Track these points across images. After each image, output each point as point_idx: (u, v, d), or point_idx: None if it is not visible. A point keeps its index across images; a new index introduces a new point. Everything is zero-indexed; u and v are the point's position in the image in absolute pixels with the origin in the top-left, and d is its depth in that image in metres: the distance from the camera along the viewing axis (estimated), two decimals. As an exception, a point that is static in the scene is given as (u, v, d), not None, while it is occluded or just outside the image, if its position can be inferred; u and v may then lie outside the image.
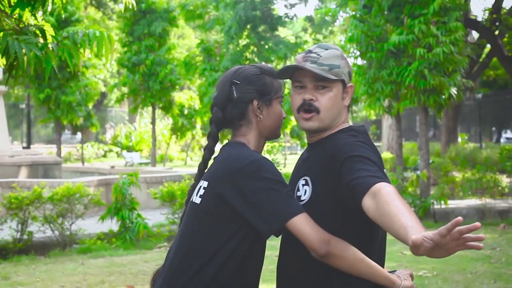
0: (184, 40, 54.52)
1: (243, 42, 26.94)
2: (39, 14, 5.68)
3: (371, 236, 2.91)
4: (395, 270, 3.09)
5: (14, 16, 5.63)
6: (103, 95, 53.31)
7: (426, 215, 15.00)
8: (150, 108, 30.61)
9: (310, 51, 3.10)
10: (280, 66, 27.47)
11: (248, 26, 26.67)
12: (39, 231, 12.53)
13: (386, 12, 16.11)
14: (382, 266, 3.06)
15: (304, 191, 3.05)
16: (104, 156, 45.41)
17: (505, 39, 29.44)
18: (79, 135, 42.41)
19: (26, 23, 5.68)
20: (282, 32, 36.04)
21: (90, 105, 29.57)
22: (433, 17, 15.30)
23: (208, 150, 3.32)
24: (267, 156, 16.17)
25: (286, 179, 3.16)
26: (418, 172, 16.80)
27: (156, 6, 28.12)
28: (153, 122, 30.07)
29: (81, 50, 5.70)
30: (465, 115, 43.08)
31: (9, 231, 12.41)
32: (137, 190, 13.86)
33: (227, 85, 3.26)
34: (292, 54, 26.87)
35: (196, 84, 32.93)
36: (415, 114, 43.69)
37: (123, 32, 28.76)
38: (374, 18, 16.16)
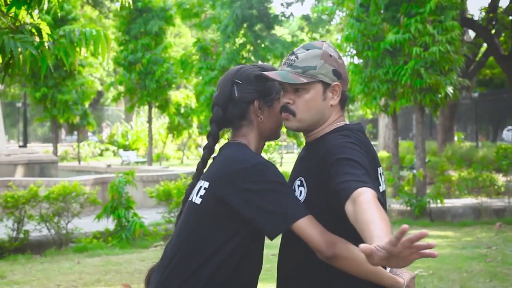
0: (181, 39, 54.51)
1: (239, 40, 26.94)
2: (35, 12, 5.67)
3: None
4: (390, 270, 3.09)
5: (10, 15, 5.62)
6: (100, 93, 53.31)
7: (422, 214, 15.01)
8: (146, 107, 30.57)
9: (292, 53, 3.10)
10: (277, 65, 27.52)
11: (245, 25, 26.68)
12: (35, 230, 12.52)
13: (382, 11, 16.12)
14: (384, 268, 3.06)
15: (300, 192, 3.04)
16: (101, 155, 45.38)
17: (502, 38, 29.50)
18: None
19: (22, 22, 5.67)
20: (278, 31, 36.09)
21: (87, 104, 29.52)
22: (429, 16, 15.32)
23: (208, 149, 3.30)
24: (263, 155, 16.19)
25: (285, 177, 3.16)
26: (415, 171, 16.81)
27: (153, 5, 28.11)
28: (149, 121, 30.05)
29: (78, 49, 5.69)
30: (462, 114, 43.10)
31: (5, 230, 12.41)
32: (133, 189, 13.85)
33: (229, 84, 3.25)
34: (289, 53, 26.87)
35: (193, 83, 32.91)
36: (411, 113, 43.70)
37: (120, 30, 28.74)
38: (371, 17, 16.18)
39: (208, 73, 25.76)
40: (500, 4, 27.91)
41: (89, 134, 51.89)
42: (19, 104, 42.27)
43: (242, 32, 26.84)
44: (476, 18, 28.23)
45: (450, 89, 15.55)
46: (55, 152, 27.84)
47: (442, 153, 28.05)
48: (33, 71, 23.85)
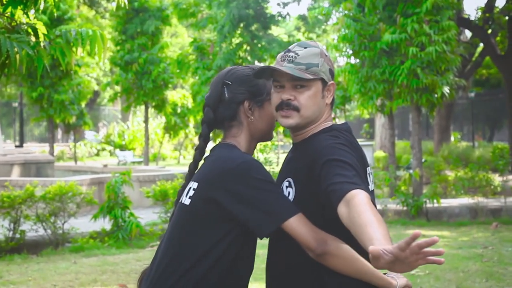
0: (177, 39, 54.47)
1: (236, 40, 26.94)
2: (31, 12, 5.67)
3: (355, 239, 2.88)
4: (385, 273, 3.09)
5: (6, 15, 5.62)
6: (96, 93, 53.25)
7: (418, 214, 15.02)
8: (143, 107, 30.62)
9: (289, 50, 3.09)
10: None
11: (241, 25, 26.68)
12: (32, 230, 12.51)
13: (379, 11, 16.13)
14: None
15: (288, 193, 3.04)
16: (97, 154, 45.35)
17: (498, 38, 29.52)
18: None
19: (18, 22, 5.67)
20: (275, 31, 36.11)
21: (83, 104, 29.56)
22: (425, 16, 15.33)
23: (199, 150, 3.31)
24: (259, 155, 16.19)
25: (276, 178, 3.16)
26: (411, 171, 16.82)
27: (149, 5, 28.12)
28: (146, 121, 30.05)
29: (74, 49, 5.69)
30: (458, 114, 43.12)
31: (1, 230, 12.40)
32: (130, 189, 13.84)
33: (219, 85, 3.25)
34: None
35: (189, 83, 32.91)
36: (407, 113, 43.73)
37: (116, 30, 28.75)
38: (368, 17, 16.18)
39: (205, 73, 25.76)
40: (496, 4, 27.89)
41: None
42: (16, 104, 42.23)
43: (238, 32, 26.84)
44: (472, 18, 28.23)
45: (446, 89, 15.57)
46: (51, 152, 27.82)
47: (439, 153, 28.07)
48: (29, 71, 23.84)
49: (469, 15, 28.62)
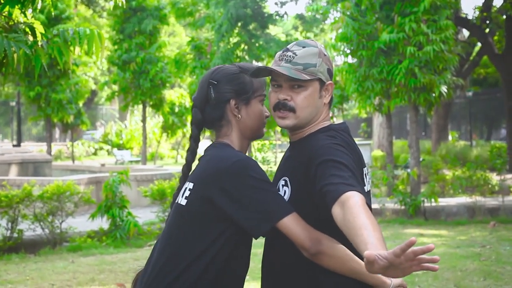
0: (175, 38, 54.47)
1: (233, 40, 26.90)
2: (29, 11, 5.67)
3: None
4: None
5: (4, 14, 5.61)
6: (94, 93, 53.22)
7: (416, 213, 15.02)
8: (140, 106, 30.57)
9: (287, 49, 3.07)
10: (271, 64, 27.45)
11: (239, 24, 26.65)
12: (29, 229, 12.51)
13: (377, 10, 16.13)
14: None
15: (284, 192, 3.04)
16: (95, 154, 45.33)
17: (496, 37, 29.54)
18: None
19: (16, 21, 5.67)
20: (272, 30, 36.08)
21: (81, 103, 29.55)
22: (423, 15, 15.34)
23: (191, 152, 3.32)
24: (257, 154, 16.18)
25: (273, 177, 3.16)
26: (409, 170, 16.83)
27: (147, 4, 28.11)
28: (143, 120, 30.03)
29: (71, 48, 5.69)
30: (456, 113, 43.16)
31: (-1, 229, 12.41)
32: (128, 188, 13.84)
33: (205, 86, 3.25)
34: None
35: (187, 82, 32.86)
36: (405, 112, 43.78)
37: (114, 29, 28.73)
38: (366, 16, 16.18)
39: (203, 72, 25.69)
40: (494, 3, 27.94)
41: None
42: (13, 103, 42.18)
43: (236, 31, 26.81)
44: (470, 17, 28.23)
45: (444, 88, 15.57)
46: (49, 151, 27.82)
47: (436, 152, 28.09)
48: (27, 70, 23.75)
49: (466, 14, 28.64)
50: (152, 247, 3.29)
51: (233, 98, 3.19)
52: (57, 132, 50.48)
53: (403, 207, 15.15)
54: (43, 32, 5.67)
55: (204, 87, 3.25)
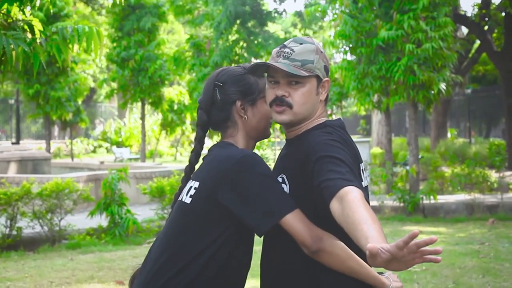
0: (174, 36, 54.45)
1: (232, 37, 26.90)
2: (28, 9, 5.67)
3: (348, 236, 2.84)
4: (382, 273, 3.09)
5: (2, 11, 5.61)
6: (93, 90, 53.20)
7: (415, 210, 15.03)
8: (139, 104, 30.57)
9: (284, 46, 3.08)
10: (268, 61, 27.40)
11: (238, 22, 26.64)
12: (28, 226, 12.50)
13: (375, 8, 16.12)
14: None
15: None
16: (94, 151, 45.31)
17: (494, 35, 29.54)
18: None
19: (14, 18, 5.66)
20: (271, 27, 36.05)
21: (80, 101, 29.55)
22: (422, 13, 15.33)
23: (195, 153, 3.33)
24: (256, 151, 16.17)
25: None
26: (408, 167, 16.83)
27: (145, 1, 28.11)
28: (142, 118, 30.04)
29: (70, 46, 5.68)
30: (455, 110, 43.15)
31: (-2, 227, 12.41)
32: (127, 186, 13.84)
33: (211, 87, 3.27)
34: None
35: (186, 80, 32.85)
36: (404, 110, 43.76)
37: (113, 27, 28.74)
38: (364, 13, 16.18)
39: (201, 70, 25.71)
40: (493, 1, 27.92)
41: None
42: (12, 101, 42.15)
43: (235, 28, 26.80)
44: (469, 14, 28.25)
45: (443, 86, 15.57)
46: (48, 149, 27.81)
47: (435, 149, 28.09)
48: (25, 67, 23.75)
49: (465, 11, 28.72)
50: (151, 244, 3.29)
51: (239, 99, 3.21)
52: (56, 130, 50.45)
53: (402, 204, 15.15)
54: (42, 29, 5.67)
55: (210, 89, 3.27)
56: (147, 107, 31.74)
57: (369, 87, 16.29)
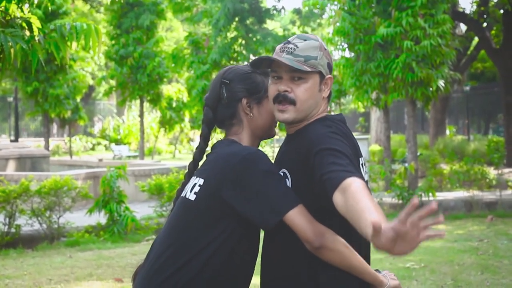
0: (172, 33, 54.42)
1: (231, 34, 26.88)
2: (26, 6, 5.66)
3: (351, 230, 2.73)
4: (379, 271, 3.10)
5: (1, 9, 5.61)
6: (91, 88, 53.17)
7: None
8: (138, 101, 30.59)
9: (288, 42, 3.08)
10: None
11: (236, 19, 26.62)
12: (27, 224, 12.49)
13: (374, 5, 16.13)
14: (367, 262, 3.06)
15: None
16: (92, 149, 45.32)
17: (493, 32, 29.55)
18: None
19: (12, 16, 5.66)
20: (270, 24, 36.03)
21: (78, 98, 29.57)
22: (420, 10, 15.34)
23: (199, 150, 3.34)
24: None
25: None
26: (406, 165, 16.84)
27: (144, -1, 28.14)
28: (141, 115, 30.05)
29: (68, 43, 5.68)
30: (453, 107, 43.18)
31: (-3, 224, 12.40)
32: (125, 183, 13.84)
33: (217, 85, 3.28)
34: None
35: (184, 77, 32.86)
36: (403, 107, 43.76)
37: (111, 25, 28.75)
38: (362, 10, 16.18)
39: (200, 67, 25.70)
40: (491, -2, 27.94)
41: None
42: (11, 99, 42.15)
43: (233, 26, 26.78)
44: (467, 11, 28.26)
45: (441, 83, 15.58)
46: (46, 147, 27.82)
47: (434, 147, 28.11)
48: (24, 65, 23.75)
49: (464, 8, 28.67)
50: (150, 241, 3.29)
51: (245, 97, 3.22)
52: (54, 128, 50.45)
53: (400, 201, 15.15)
54: (40, 27, 5.66)
55: (217, 87, 3.28)
56: (146, 104, 31.79)
57: (368, 84, 16.29)
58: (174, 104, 36.45)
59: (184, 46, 27.96)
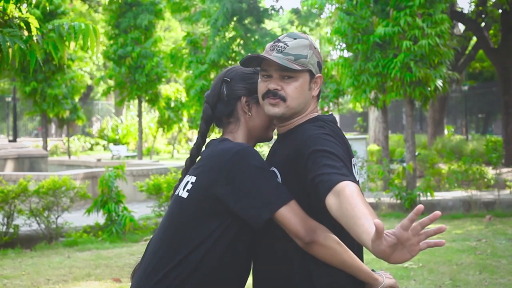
0: (170, 33, 54.42)
1: (229, 34, 26.87)
2: (24, 6, 5.66)
3: (342, 229, 2.73)
4: (374, 270, 3.09)
5: (-1, 9, 5.60)
6: (90, 88, 53.17)
7: (412, 207, 15.02)
8: (136, 101, 30.59)
9: (278, 40, 3.10)
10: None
11: (235, 19, 26.61)
12: (25, 224, 12.49)
13: (372, 4, 16.13)
14: (361, 260, 3.05)
15: None
16: (91, 149, 45.31)
17: (491, 31, 29.56)
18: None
19: (10, 16, 5.65)
20: (268, 24, 36.03)
21: (77, 98, 29.57)
22: (418, 9, 15.33)
23: (196, 146, 3.36)
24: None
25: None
26: (404, 164, 16.84)
27: (142, -1, 28.14)
28: (139, 115, 30.04)
29: (66, 43, 5.68)
30: (452, 107, 43.20)
31: (-5, 224, 12.39)
32: (123, 183, 13.84)
33: (219, 83, 3.30)
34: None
35: (183, 77, 32.88)
36: (401, 106, 43.80)
37: (109, 24, 28.74)
38: (360, 10, 16.19)
39: (198, 67, 25.68)
40: (489, -3, 27.97)
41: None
42: (9, 99, 42.14)
43: (232, 25, 26.78)
44: (465, 11, 28.28)
45: (439, 82, 15.58)
46: (45, 147, 27.79)
47: (432, 146, 28.12)
48: (22, 65, 23.78)
49: (462, 8, 28.69)
50: (148, 241, 3.30)
51: (244, 95, 3.24)
52: (53, 128, 50.43)
53: (399, 201, 15.16)
54: (38, 27, 5.66)
55: (218, 85, 3.31)
56: (144, 104, 31.75)
57: (366, 84, 16.29)
58: (172, 104, 36.42)
59: (182, 46, 27.94)
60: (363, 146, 21.52)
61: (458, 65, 27.88)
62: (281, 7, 29.61)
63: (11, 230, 12.40)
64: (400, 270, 9.13)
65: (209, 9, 26.86)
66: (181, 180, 3.29)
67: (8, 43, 5.15)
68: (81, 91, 29.88)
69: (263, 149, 16.98)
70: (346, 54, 17.72)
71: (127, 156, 36.48)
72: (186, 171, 3.33)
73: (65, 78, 27.27)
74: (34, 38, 5.51)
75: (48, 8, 25.19)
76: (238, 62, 3.52)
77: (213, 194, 2.98)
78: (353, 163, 3.08)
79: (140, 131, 29.77)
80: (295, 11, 34.62)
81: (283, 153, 3.07)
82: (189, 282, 2.98)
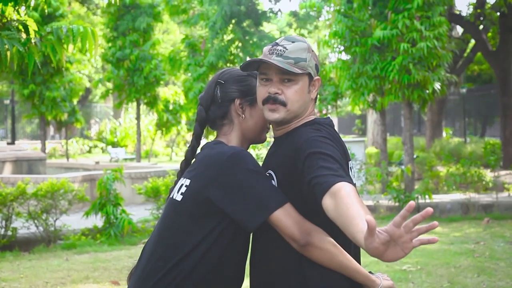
0: (169, 35, 54.43)
1: (227, 37, 26.91)
2: (22, 9, 5.66)
3: (339, 232, 2.72)
4: (372, 272, 3.08)
5: (-3, 11, 5.60)
6: (88, 90, 53.20)
7: (410, 209, 15.00)
8: (135, 104, 30.59)
9: (276, 44, 3.09)
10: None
11: (233, 21, 26.65)
12: (23, 227, 12.47)
13: (370, 7, 16.15)
14: (358, 262, 3.05)
15: None
16: (89, 152, 45.30)
17: (489, 34, 29.59)
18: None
19: (9, 18, 5.66)
20: (266, 27, 36.05)
21: (75, 101, 29.55)
22: (417, 12, 15.35)
23: (191, 149, 3.35)
24: (251, 150, 16.19)
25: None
26: (403, 167, 16.84)
27: (141, 1, 28.15)
28: (138, 118, 30.03)
29: (65, 46, 5.68)
30: (450, 110, 43.19)
31: (-7, 227, 12.38)
32: (122, 186, 13.84)
33: (213, 85, 3.30)
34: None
35: (181, 80, 32.88)
36: (399, 109, 43.81)
37: (108, 27, 28.76)
38: (358, 13, 16.21)
39: (197, 70, 25.72)
40: (487, 0, 27.97)
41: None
42: (7, 101, 42.13)
43: (230, 28, 26.81)
44: (464, 14, 28.31)
45: (438, 85, 15.59)
46: (43, 149, 27.80)
47: (431, 149, 28.13)
48: (20, 68, 23.82)
49: (460, 11, 28.73)
50: (144, 244, 3.31)
51: (238, 97, 3.24)
52: (51, 130, 50.41)
53: (397, 203, 15.15)
54: (37, 29, 5.66)
55: (212, 87, 3.31)
56: (143, 107, 31.74)
57: (364, 87, 16.31)
58: (171, 107, 36.45)
59: (180, 48, 27.99)
60: (361, 149, 21.52)
61: (456, 67, 27.91)
62: (279, 10, 29.67)
63: (9, 232, 12.38)
64: (398, 272, 9.13)
65: (208, 11, 26.90)
66: (176, 182, 3.29)
67: (7, 46, 5.15)
68: (79, 94, 29.85)
69: (262, 151, 16.98)
70: (344, 56, 17.74)
71: (126, 159, 36.45)
72: (181, 173, 3.32)
73: (64, 81, 27.29)
74: (33, 40, 5.51)
75: (46, 11, 25.20)
76: (236, 65, 3.53)
77: (207, 197, 2.98)
78: (350, 166, 3.08)
79: (139, 133, 29.78)
80: (293, 14, 34.63)
81: (279, 156, 3.07)
82: (186, 284, 2.98)
